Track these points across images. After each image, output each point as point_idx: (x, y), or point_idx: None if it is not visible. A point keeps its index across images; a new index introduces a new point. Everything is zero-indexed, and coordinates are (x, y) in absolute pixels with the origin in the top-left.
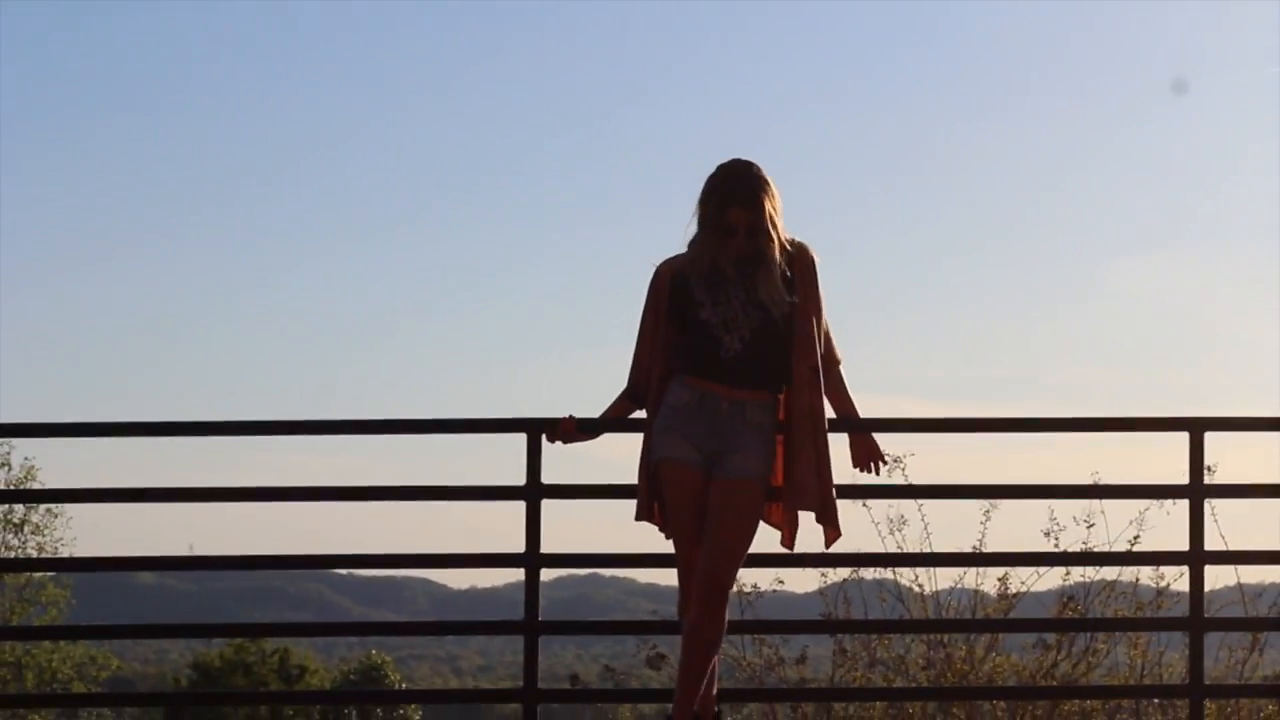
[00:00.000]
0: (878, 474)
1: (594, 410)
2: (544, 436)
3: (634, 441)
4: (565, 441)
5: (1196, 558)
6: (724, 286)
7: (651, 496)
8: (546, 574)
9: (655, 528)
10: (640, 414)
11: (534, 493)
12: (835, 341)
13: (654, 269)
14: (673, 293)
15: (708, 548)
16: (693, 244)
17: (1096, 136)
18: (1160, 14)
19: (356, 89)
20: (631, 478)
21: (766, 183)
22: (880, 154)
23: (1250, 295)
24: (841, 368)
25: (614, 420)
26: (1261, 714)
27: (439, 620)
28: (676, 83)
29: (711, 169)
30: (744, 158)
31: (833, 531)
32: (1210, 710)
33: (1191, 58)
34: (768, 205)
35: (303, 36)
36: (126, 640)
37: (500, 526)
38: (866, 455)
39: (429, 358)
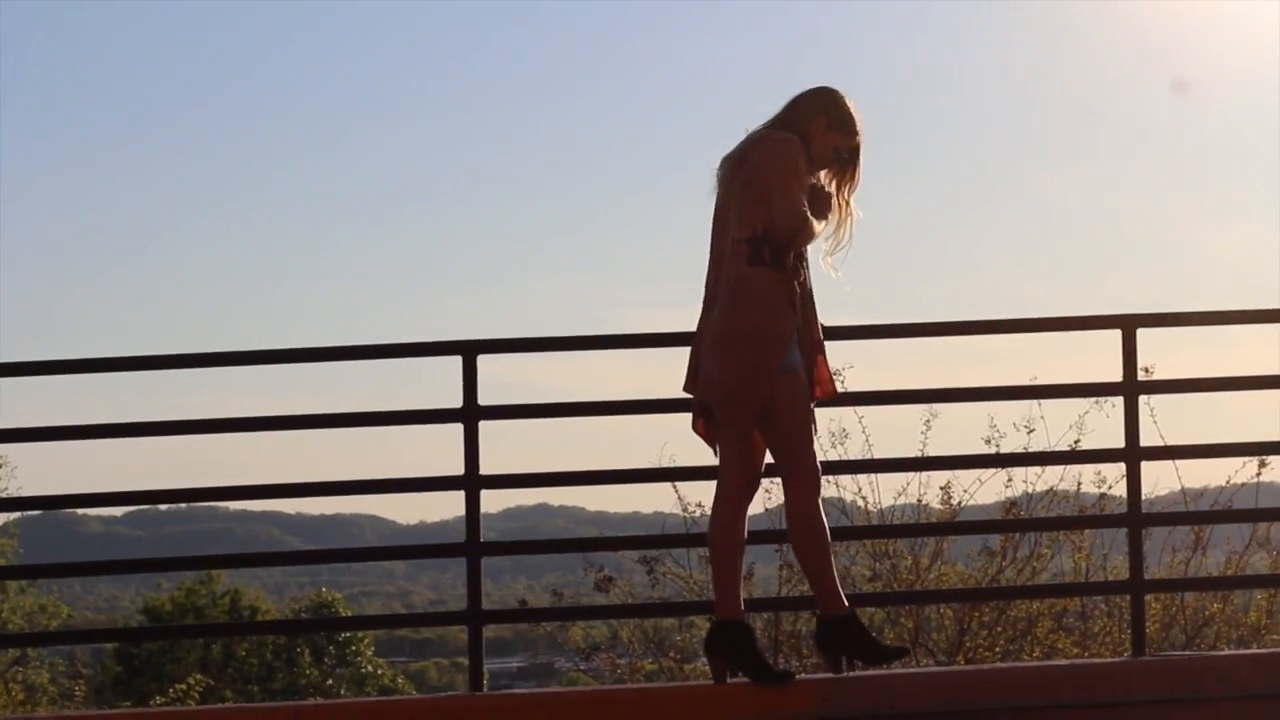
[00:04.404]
0: None
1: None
2: None
3: (569, 361)
4: None
5: (1132, 454)
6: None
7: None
8: (495, 505)
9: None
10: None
11: (471, 414)
12: None
13: (787, 137)
14: None
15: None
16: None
17: (1026, 39)
18: None
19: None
20: (562, 398)
21: None
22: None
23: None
24: None
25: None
26: (1206, 611)
27: (382, 546)
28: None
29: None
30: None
31: None
32: (1155, 610)
33: None
34: None
35: None
36: (76, 588)
37: (446, 461)
38: None
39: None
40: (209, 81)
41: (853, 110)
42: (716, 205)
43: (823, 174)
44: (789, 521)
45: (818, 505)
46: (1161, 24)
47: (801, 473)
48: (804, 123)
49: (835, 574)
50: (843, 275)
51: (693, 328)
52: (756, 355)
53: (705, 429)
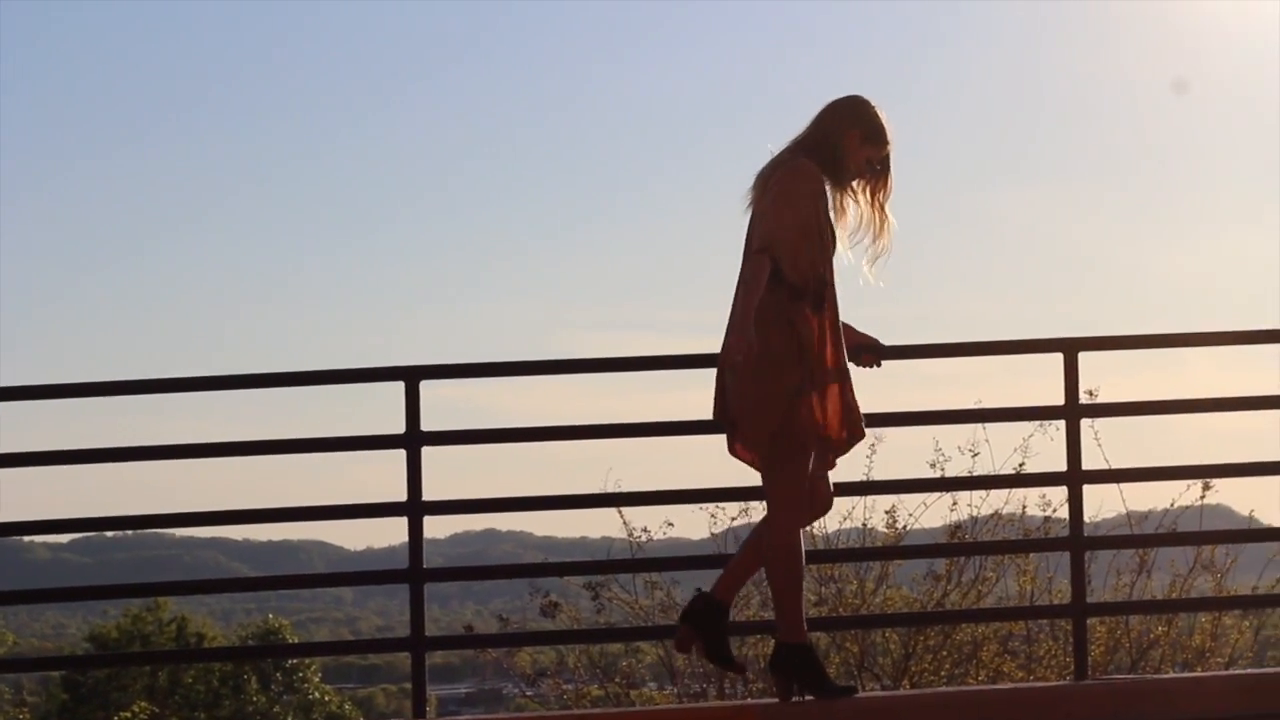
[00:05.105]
0: None
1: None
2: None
3: (516, 385)
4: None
5: (1074, 477)
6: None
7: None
8: (443, 531)
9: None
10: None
11: (414, 440)
12: None
13: (798, 167)
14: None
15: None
16: (836, 164)
17: (982, 67)
18: None
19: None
20: (510, 422)
21: None
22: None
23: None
24: None
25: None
26: (1151, 634)
27: (326, 573)
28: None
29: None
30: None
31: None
32: (1100, 633)
33: None
34: None
35: None
36: (23, 615)
37: (394, 485)
38: None
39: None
40: (139, 108)
41: (883, 120)
42: (748, 227)
43: (856, 184)
44: (766, 544)
45: (798, 536)
46: (1133, 39)
47: (787, 500)
48: (836, 137)
49: (803, 604)
50: (879, 281)
51: (636, 352)
52: (772, 376)
53: (743, 449)
